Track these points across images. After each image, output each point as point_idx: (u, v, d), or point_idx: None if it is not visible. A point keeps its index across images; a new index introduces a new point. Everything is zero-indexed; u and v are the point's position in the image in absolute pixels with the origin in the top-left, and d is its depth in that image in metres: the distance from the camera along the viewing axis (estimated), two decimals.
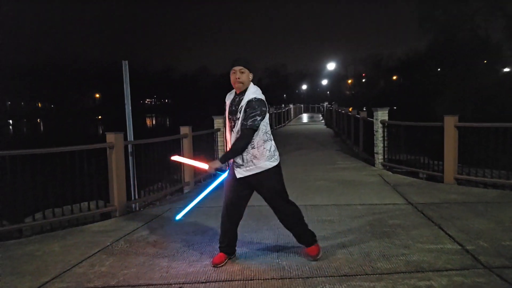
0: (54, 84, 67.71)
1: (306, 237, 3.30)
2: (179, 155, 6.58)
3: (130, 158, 5.60)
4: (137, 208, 5.64)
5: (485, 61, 42.23)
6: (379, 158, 7.94)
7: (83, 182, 4.88)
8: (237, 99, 3.07)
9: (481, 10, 40.65)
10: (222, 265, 3.25)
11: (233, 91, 3.16)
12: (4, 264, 3.46)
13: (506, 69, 41.45)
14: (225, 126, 3.05)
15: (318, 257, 3.27)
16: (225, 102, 3.22)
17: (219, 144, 8.35)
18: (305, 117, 37.47)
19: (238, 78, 2.99)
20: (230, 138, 3.11)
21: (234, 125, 3.04)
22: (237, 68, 3.01)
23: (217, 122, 8.52)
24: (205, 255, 3.46)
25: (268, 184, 3.10)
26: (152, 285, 2.95)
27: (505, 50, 41.75)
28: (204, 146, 7.59)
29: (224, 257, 3.30)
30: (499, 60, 41.28)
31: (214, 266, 3.23)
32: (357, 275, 2.97)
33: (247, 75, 3.02)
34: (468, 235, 3.70)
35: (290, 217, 3.25)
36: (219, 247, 3.35)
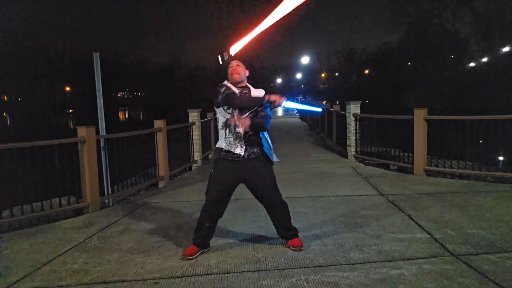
0: (20, 76, 65.09)
1: (292, 229, 3.40)
2: (154, 149, 6.50)
3: (102, 152, 5.48)
4: (111, 204, 5.54)
5: (452, 56, 43.62)
6: (351, 150, 8.09)
7: (54, 177, 4.74)
8: (240, 89, 3.22)
9: (450, 6, 41.89)
10: (193, 258, 3.26)
11: (227, 85, 3.21)
12: None
13: (472, 64, 42.97)
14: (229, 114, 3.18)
15: (302, 248, 3.35)
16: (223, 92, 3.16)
17: (194, 138, 8.29)
18: (280, 110, 37.62)
19: (235, 69, 3.21)
20: (239, 122, 3.13)
21: (246, 111, 3.15)
22: (233, 62, 3.24)
23: (192, 116, 8.45)
24: (181, 250, 3.45)
25: (265, 171, 3.28)
26: (127, 281, 2.92)
27: (472, 44, 43.28)
28: (179, 140, 7.53)
29: (196, 250, 3.31)
30: (465, 55, 42.75)
31: (185, 258, 3.24)
32: (331, 265, 3.03)
33: (243, 68, 3.26)
34: (437, 224, 3.84)
35: (283, 208, 3.34)
36: (193, 238, 3.34)
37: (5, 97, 75.59)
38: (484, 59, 40.47)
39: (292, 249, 3.35)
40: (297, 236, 3.41)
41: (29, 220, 4.56)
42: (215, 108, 3.26)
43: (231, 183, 3.26)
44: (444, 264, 2.97)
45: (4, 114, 63.47)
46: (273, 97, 3.03)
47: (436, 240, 3.46)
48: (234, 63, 3.25)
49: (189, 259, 3.24)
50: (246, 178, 3.24)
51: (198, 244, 3.33)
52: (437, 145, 6.35)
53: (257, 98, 3.17)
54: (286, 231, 3.40)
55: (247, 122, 3.10)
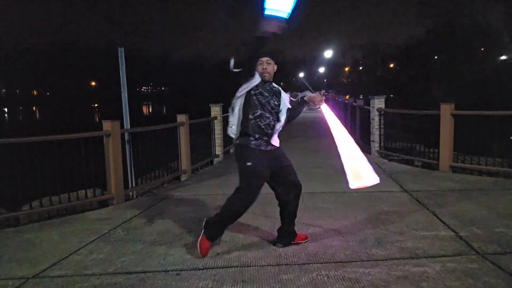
0: (49, 71, 67.05)
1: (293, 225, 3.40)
2: (176, 143, 6.59)
3: (127, 146, 5.60)
4: (135, 196, 5.67)
5: (482, 49, 42.06)
6: (375, 146, 7.97)
7: (80, 170, 4.89)
8: (268, 87, 3.19)
9: None
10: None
11: (254, 82, 3.13)
12: (2, 252, 3.48)
13: (503, 57, 41.33)
14: (261, 109, 3.15)
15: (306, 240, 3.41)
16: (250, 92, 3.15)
17: (216, 132, 8.35)
18: None
19: (265, 69, 3.12)
20: (271, 119, 3.19)
21: (275, 108, 3.21)
22: (264, 59, 3.11)
23: (214, 110, 8.50)
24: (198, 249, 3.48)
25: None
26: (150, 272, 2.99)
27: (503, 37, 41.60)
28: (202, 134, 7.59)
29: (211, 244, 3.26)
30: (497, 47, 41.13)
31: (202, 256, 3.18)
32: (353, 262, 3.01)
33: (273, 67, 3.17)
34: (462, 222, 3.75)
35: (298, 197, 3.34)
36: (213, 234, 3.26)
37: (35, 92, 78.13)
38: None
39: (303, 242, 3.39)
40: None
41: (57, 210, 4.72)
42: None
43: (268, 175, 3.22)
44: (469, 262, 2.90)
45: (34, 108, 65.62)
46: (311, 98, 3.33)
47: (461, 238, 3.38)
48: (264, 60, 3.11)
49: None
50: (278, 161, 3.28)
51: (213, 239, 3.27)
52: (464, 141, 6.18)
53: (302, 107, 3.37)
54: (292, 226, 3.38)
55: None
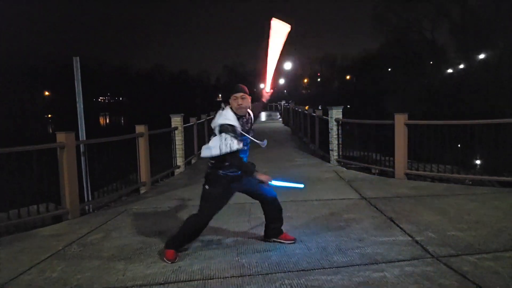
0: None
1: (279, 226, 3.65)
2: (135, 154, 6.41)
3: (82, 158, 5.37)
4: (91, 210, 5.43)
5: (431, 62, 44.61)
6: (334, 155, 8.17)
7: (32, 184, 4.62)
8: (244, 119, 3.37)
9: (429, 15, 42.96)
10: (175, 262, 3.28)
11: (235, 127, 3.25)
12: None
13: (449, 70, 44.09)
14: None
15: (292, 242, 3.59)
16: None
17: (177, 143, 8.22)
18: (263, 116, 37.74)
19: (241, 104, 3.26)
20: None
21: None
22: (239, 95, 3.27)
23: (175, 121, 8.38)
24: (163, 256, 3.39)
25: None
26: None
27: (449, 52, 44.39)
28: (162, 145, 7.44)
29: (176, 255, 3.35)
30: (444, 61, 43.81)
31: (167, 262, 3.27)
32: (315, 269, 3.04)
33: (248, 100, 3.33)
34: (418, 227, 3.90)
35: (277, 205, 3.57)
36: (180, 250, 3.41)
37: None
38: (461, 66, 41.62)
39: (288, 243, 3.55)
40: (283, 231, 3.65)
41: (6, 227, 4.41)
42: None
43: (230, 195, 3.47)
44: (425, 266, 3.01)
45: None
46: (262, 177, 3.32)
47: (417, 242, 3.51)
48: (239, 95, 3.26)
49: (171, 263, 3.24)
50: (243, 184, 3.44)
51: (179, 250, 3.39)
52: (417, 149, 6.47)
53: (250, 170, 3.32)
54: (277, 230, 3.62)
55: None
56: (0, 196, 4.38)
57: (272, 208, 3.56)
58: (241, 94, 3.27)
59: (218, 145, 3.13)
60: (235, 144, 3.11)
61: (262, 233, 3.73)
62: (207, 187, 3.33)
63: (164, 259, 3.30)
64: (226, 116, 3.22)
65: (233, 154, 3.16)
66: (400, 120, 6.38)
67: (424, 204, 4.76)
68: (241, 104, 3.25)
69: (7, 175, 4.37)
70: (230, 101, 3.29)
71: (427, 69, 43.44)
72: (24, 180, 4.55)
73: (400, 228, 3.91)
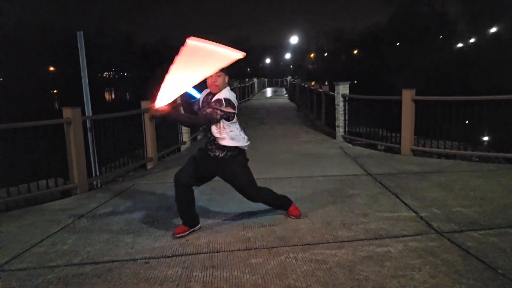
0: (2, 56, 63.22)
1: (283, 203, 3.66)
2: (141, 130, 6.44)
3: (89, 133, 5.41)
4: (99, 185, 5.51)
5: (441, 36, 43.60)
6: (340, 131, 8.14)
7: (40, 159, 4.68)
8: (210, 97, 3.22)
9: None
10: (185, 235, 3.31)
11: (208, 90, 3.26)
12: None
13: (460, 45, 43.10)
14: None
15: (300, 216, 3.64)
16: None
17: None
18: (269, 91, 37.51)
19: (215, 81, 3.14)
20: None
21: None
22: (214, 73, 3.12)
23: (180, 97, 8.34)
24: (171, 230, 3.46)
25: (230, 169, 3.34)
26: (117, 261, 2.93)
27: (460, 25, 43.25)
28: (167, 122, 7.43)
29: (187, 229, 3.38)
30: (453, 35, 42.79)
31: (177, 237, 3.30)
32: (320, 244, 3.09)
33: (223, 79, 3.18)
34: (423, 203, 3.92)
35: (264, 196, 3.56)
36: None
37: None
38: (472, 40, 40.69)
39: (293, 218, 3.62)
40: (290, 206, 3.67)
41: (16, 202, 4.51)
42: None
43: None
44: (429, 241, 3.05)
45: None
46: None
47: (421, 218, 3.54)
48: (214, 74, 3.09)
49: (180, 237, 3.29)
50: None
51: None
52: (424, 126, 6.43)
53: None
54: (278, 207, 3.71)
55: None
56: (11, 171, 4.44)
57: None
58: (217, 72, 3.12)
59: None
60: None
61: (267, 208, 3.77)
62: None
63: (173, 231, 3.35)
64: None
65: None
66: (408, 96, 6.31)
67: (430, 180, 4.77)
68: (214, 82, 3.15)
69: (16, 150, 4.42)
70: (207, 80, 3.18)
71: (436, 44, 42.56)
72: (33, 155, 4.61)
73: (405, 204, 3.94)
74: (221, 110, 3.10)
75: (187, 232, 3.36)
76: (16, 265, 2.93)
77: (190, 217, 3.39)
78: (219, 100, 3.12)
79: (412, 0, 43.92)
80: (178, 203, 3.36)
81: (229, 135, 3.19)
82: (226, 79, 3.24)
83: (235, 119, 3.23)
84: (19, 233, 3.59)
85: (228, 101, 3.13)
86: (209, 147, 3.28)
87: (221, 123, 3.16)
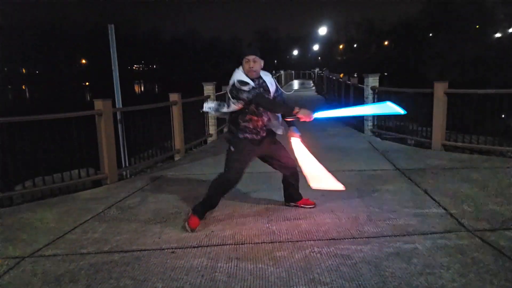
0: (38, 49, 65.62)
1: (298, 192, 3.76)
2: (169, 122, 6.55)
3: (119, 125, 5.55)
4: (128, 176, 5.66)
5: (477, 26, 41.76)
6: (368, 125, 7.99)
7: (73, 149, 4.85)
8: (257, 81, 3.31)
9: None
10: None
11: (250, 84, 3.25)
12: None
13: (498, 34, 41.13)
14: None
15: (314, 206, 3.75)
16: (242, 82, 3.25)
17: None
18: (296, 84, 37.21)
19: (252, 67, 3.24)
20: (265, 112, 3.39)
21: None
22: (251, 57, 3.23)
23: (207, 89, 8.43)
24: (186, 221, 3.50)
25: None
26: (145, 250, 3.01)
27: (498, 14, 41.27)
28: (195, 114, 7.54)
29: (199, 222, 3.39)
30: (492, 25, 40.87)
31: (192, 230, 3.30)
32: (345, 239, 3.06)
33: (259, 63, 3.29)
34: (453, 200, 3.81)
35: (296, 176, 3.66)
36: (203, 217, 3.46)
37: (24, 70, 76.57)
38: (511, 30, 38.75)
39: (307, 207, 3.69)
40: (302, 197, 3.77)
41: (50, 190, 4.70)
42: (232, 99, 3.25)
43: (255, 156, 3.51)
44: (459, 239, 2.96)
45: (23, 87, 64.47)
46: (302, 114, 3.24)
47: (451, 215, 3.43)
48: (251, 58, 3.23)
49: (191, 231, 3.30)
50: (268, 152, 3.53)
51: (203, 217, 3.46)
52: (457, 120, 6.20)
53: (287, 108, 3.32)
54: (296, 194, 3.75)
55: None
56: (45, 160, 4.63)
57: (290, 177, 3.65)
58: (253, 57, 3.23)
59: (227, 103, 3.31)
60: (244, 95, 3.16)
61: (292, 203, 3.77)
62: (232, 148, 3.38)
63: (186, 225, 3.32)
64: (239, 75, 3.25)
65: (259, 97, 3.20)
66: (440, 89, 6.10)
67: (461, 176, 4.61)
68: (252, 67, 3.23)
69: (50, 140, 4.59)
70: (243, 63, 3.27)
71: (473, 34, 40.80)
72: (67, 146, 4.78)
73: (435, 200, 3.83)
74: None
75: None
76: (50, 251, 3.07)
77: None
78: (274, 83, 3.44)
79: None
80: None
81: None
82: (262, 63, 3.35)
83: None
84: (53, 220, 3.75)
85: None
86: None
87: None
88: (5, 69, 71.31)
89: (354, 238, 3.07)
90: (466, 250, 2.77)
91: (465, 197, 3.87)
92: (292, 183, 3.68)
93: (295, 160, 3.59)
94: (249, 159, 3.41)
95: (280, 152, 3.54)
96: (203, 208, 3.41)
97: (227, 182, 3.37)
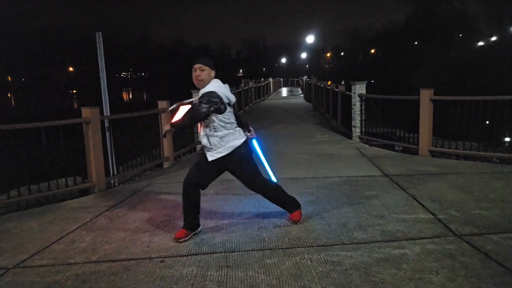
0: (24, 57, 64.84)
1: (290, 204, 3.53)
2: (158, 130, 6.51)
3: (107, 133, 5.50)
4: (116, 184, 5.60)
5: (460, 35, 42.72)
6: (356, 131, 8.07)
7: (59, 158, 4.78)
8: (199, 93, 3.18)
9: None
10: (187, 239, 3.28)
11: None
12: None
13: (480, 43, 42.10)
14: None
15: (299, 222, 3.52)
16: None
17: None
18: (284, 91, 37.41)
19: (198, 76, 3.13)
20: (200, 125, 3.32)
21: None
22: (197, 66, 3.13)
23: (195, 97, 8.40)
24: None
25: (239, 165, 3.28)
26: (134, 259, 2.97)
27: (480, 23, 42.26)
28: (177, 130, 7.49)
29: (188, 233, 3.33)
30: (474, 34, 41.85)
31: (177, 241, 3.24)
32: (335, 245, 3.07)
33: (208, 73, 3.14)
34: (441, 205, 3.86)
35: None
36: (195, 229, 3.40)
37: (9, 78, 75.50)
38: (493, 38, 39.69)
39: (292, 221, 3.54)
40: (296, 210, 3.54)
41: (36, 200, 4.62)
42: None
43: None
44: (447, 244, 2.99)
45: (9, 95, 63.49)
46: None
47: (439, 220, 3.48)
48: (197, 66, 3.12)
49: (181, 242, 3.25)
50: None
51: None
52: (443, 126, 6.30)
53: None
54: (285, 207, 3.57)
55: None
56: (30, 169, 4.55)
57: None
58: (200, 65, 3.12)
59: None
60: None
61: (282, 209, 3.76)
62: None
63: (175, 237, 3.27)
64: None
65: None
66: (426, 96, 6.21)
67: (448, 182, 4.68)
68: (198, 76, 3.13)
69: (35, 149, 4.53)
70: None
71: (456, 42, 41.69)
72: (52, 154, 4.71)
73: (423, 205, 3.87)
74: (205, 103, 3.02)
75: (190, 236, 3.31)
76: (36, 262, 3.00)
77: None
78: (202, 95, 3.08)
79: None
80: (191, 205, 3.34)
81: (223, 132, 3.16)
82: (212, 73, 3.17)
83: (227, 113, 3.14)
84: (39, 230, 3.67)
85: (210, 94, 3.04)
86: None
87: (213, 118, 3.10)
88: None
89: (344, 244, 3.08)
90: (455, 255, 2.80)
91: (452, 202, 3.92)
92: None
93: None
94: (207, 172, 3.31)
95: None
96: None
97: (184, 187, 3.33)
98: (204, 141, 3.27)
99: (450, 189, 4.37)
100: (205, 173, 3.30)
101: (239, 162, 3.24)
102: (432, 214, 3.64)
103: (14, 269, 2.90)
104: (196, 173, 3.31)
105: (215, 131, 3.17)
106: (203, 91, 3.12)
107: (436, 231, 3.24)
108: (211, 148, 3.23)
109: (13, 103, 55.22)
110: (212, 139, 3.19)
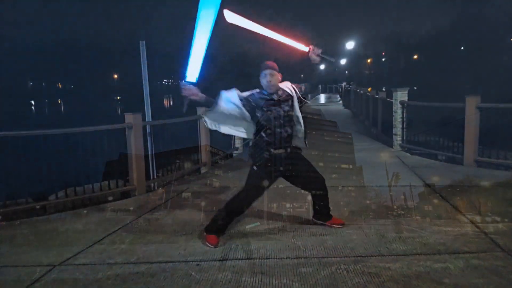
0: (73, 65, 68.57)
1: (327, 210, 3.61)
2: (196, 136, 6.65)
3: (148, 138, 5.68)
4: (156, 187, 5.76)
5: (511, 39, 40.49)
6: (397, 139, 7.83)
7: (104, 161, 5.01)
8: (273, 95, 3.33)
9: None
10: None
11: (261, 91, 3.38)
12: (30, 240, 3.61)
13: None
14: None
15: (341, 226, 3.58)
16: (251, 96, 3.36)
17: None
18: (322, 98, 37.04)
19: (270, 81, 3.29)
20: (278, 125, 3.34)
21: (279, 115, 3.31)
22: (268, 72, 3.29)
23: None
24: (222, 234, 3.51)
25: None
26: (171, 262, 3.04)
27: None
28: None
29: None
30: None
31: (213, 246, 3.27)
32: (372, 256, 2.98)
33: (277, 77, 3.33)
34: (487, 218, 3.65)
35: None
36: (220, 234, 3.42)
37: (59, 85, 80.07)
38: None
39: (336, 226, 3.54)
40: (332, 217, 3.62)
41: (81, 200, 4.84)
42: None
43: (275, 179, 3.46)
44: (494, 260, 2.83)
45: (59, 101, 67.27)
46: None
47: (486, 234, 3.29)
48: (267, 72, 3.28)
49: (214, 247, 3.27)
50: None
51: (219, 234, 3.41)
52: (491, 135, 5.99)
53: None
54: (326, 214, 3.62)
55: None
56: (76, 172, 4.79)
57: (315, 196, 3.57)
58: (270, 71, 3.28)
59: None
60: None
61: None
62: (254, 167, 3.35)
63: (206, 243, 3.31)
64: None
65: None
66: (472, 103, 5.93)
67: (496, 194, 4.43)
68: (270, 81, 3.28)
69: (81, 152, 4.76)
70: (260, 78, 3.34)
71: (506, 47, 39.56)
72: (98, 157, 4.94)
73: (467, 218, 3.69)
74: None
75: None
76: (80, 260, 3.14)
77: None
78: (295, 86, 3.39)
79: (479, 2, 41.25)
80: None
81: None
82: (280, 77, 3.36)
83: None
84: (83, 230, 3.85)
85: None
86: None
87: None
88: (43, 84, 74.69)
89: (382, 255, 2.99)
90: (502, 272, 2.64)
91: (501, 216, 3.70)
92: (318, 201, 3.57)
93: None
94: (268, 179, 3.34)
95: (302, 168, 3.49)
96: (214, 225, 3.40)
97: (234, 205, 3.39)
98: (296, 142, 3.48)
99: (498, 202, 4.13)
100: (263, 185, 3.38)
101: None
102: (478, 227, 3.45)
103: (59, 266, 3.05)
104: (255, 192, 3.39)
105: (300, 126, 3.47)
106: (286, 85, 3.38)
107: (482, 246, 3.07)
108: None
109: (62, 108, 58.43)
110: (301, 135, 3.51)
